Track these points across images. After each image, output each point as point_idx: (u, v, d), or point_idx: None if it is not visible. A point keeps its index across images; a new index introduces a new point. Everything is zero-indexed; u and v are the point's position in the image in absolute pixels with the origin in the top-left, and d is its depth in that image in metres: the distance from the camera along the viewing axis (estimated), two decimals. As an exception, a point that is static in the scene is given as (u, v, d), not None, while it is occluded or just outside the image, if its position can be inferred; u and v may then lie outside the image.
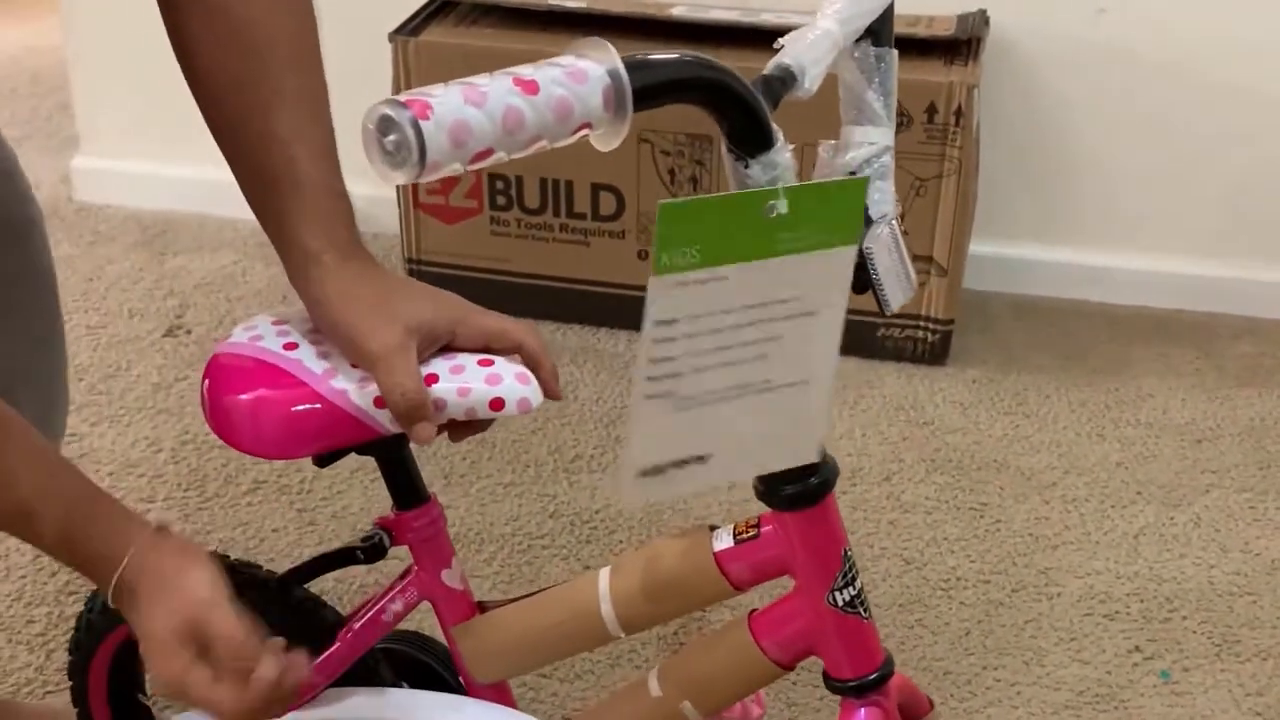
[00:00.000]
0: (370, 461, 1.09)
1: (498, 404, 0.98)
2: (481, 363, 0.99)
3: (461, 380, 0.98)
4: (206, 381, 1.02)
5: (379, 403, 0.98)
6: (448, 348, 0.98)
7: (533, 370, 0.99)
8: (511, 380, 0.99)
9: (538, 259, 2.23)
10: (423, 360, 0.96)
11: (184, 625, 0.87)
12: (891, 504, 1.88)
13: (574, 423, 2.03)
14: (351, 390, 0.98)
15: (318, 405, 0.98)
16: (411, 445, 1.07)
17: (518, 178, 2.17)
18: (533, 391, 1.00)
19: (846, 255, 0.77)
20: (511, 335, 0.99)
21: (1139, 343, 2.28)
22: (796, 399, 0.80)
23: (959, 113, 2.00)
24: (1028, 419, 2.07)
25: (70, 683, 1.29)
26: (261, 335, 1.04)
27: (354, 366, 0.97)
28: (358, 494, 1.85)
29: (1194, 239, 2.35)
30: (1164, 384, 2.16)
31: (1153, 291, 2.36)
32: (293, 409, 0.99)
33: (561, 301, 2.26)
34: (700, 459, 0.78)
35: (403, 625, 1.16)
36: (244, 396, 1.00)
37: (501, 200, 2.20)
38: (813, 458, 0.86)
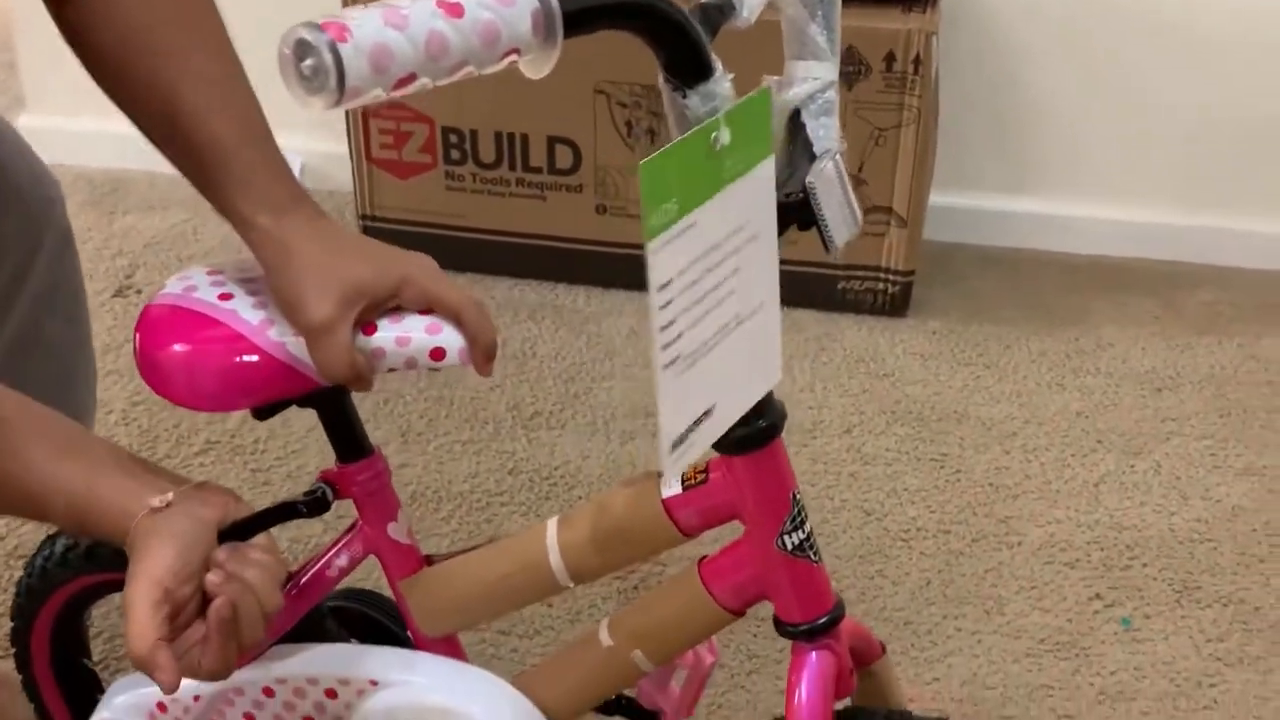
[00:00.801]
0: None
1: (439, 353, 0.96)
2: (422, 311, 0.97)
3: (400, 329, 0.95)
4: (138, 335, 0.99)
5: (317, 352, 0.96)
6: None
7: (469, 344, 0.97)
8: (453, 330, 0.97)
9: (494, 214, 2.20)
10: (365, 320, 0.93)
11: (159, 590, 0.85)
12: (852, 456, 1.87)
13: (533, 380, 2.01)
14: (289, 341, 0.96)
15: (254, 357, 0.96)
16: (354, 396, 1.06)
17: (472, 131, 2.14)
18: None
19: (768, 166, 0.77)
20: (451, 304, 0.97)
21: (1099, 292, 2.27)
22: (759, 325, 0.80)
23: (917, 61, 1.98)
24: (988, 370, 2.06)
25: (13, 649, 1.26)
26: (195, 286, 1.01)
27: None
28: (314, 454, 1.83)
29: (1155, 188, 2.34)
30: (1124, 333, 2.16)
31: (1113, 241, 2.35)
32: (228, 361, 0.96)
33: (519, 257, 2.24)
34: (708, 414, 0.78)
35: (354, 582, 1.14)
36: (177, 348, 0.97)
37: (456, 154, 2.17)
38: (778, 377, 0.85)
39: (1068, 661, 1.55)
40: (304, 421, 1.89)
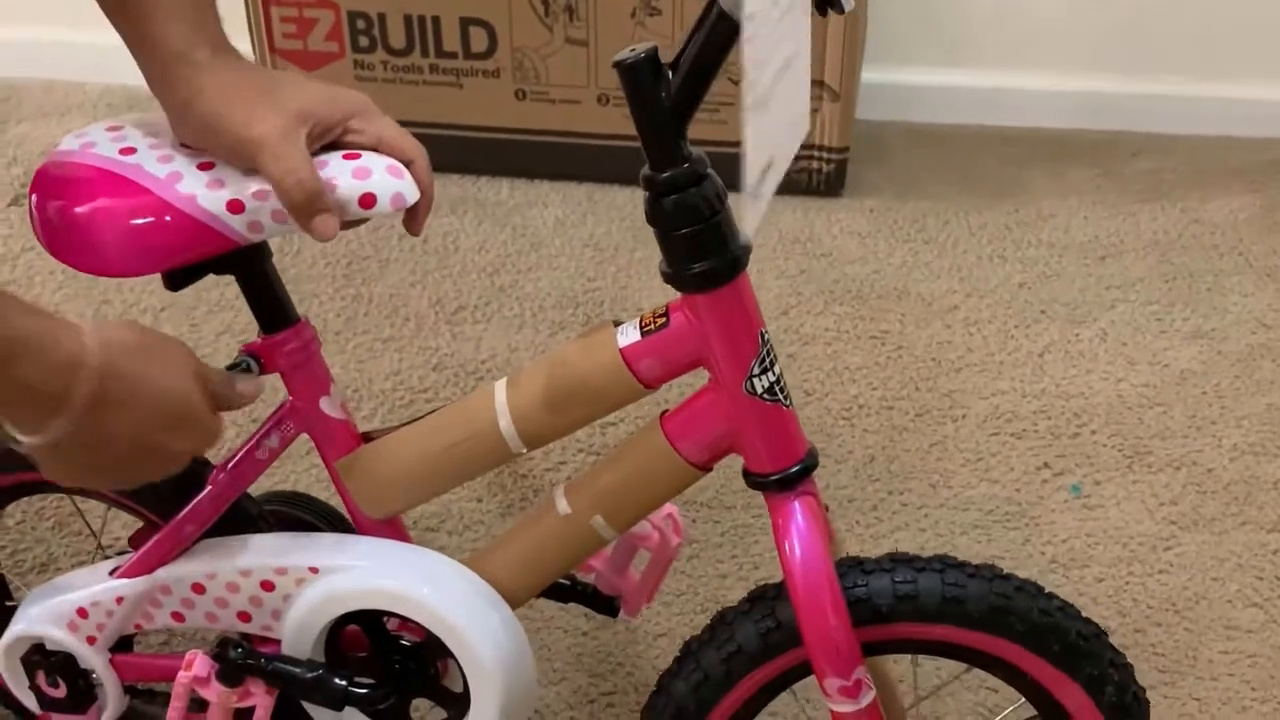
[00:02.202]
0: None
1: (369, 200, 0.88)
2: (346, 156, 0.89)
3: (327, 173, 0.87)
4: (34, 196, 0.90)
5: (233, 206, 0.87)
6: (331, 145, 0.88)
7: (421, 189, 0.90)
8: (383, 174, 0.88)
9: (408, 104, 2.09)
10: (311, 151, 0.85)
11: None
12: (790, 337, 1.81)
13: (455, 274, 1.92)
14: (200, 194, 0.87)
15: (164, 216, 0.87)
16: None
17: (380, 15, 2.03)
18: (408, 187, 0.89)
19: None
20: (405, 149, 0.90)
21: (1037, 164, 2.22)
22: (799, 71, 0.77)
23: (845, -74, 1.90)
24: (927, 245, 2.01)
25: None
26: (94, 142, 0.92)
27: (233, 165, 0.87)
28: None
29: (1090, 56, 2.29)
30: (1064, 204, 2.11)
31: (1048, 112, 2.30)
32: (134, 220, 0.87)
33: (436, 149, 2.07)
34: (770, 165, 0.76)
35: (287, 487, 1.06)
36: (79, 209, 0.88)
37: (364, 41, 2.06)
38: (808, 128, 0.82)
39: (1017, 531, 1.51)
40: (212, 325, 1.79)
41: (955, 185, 2.15)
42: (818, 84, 1.99)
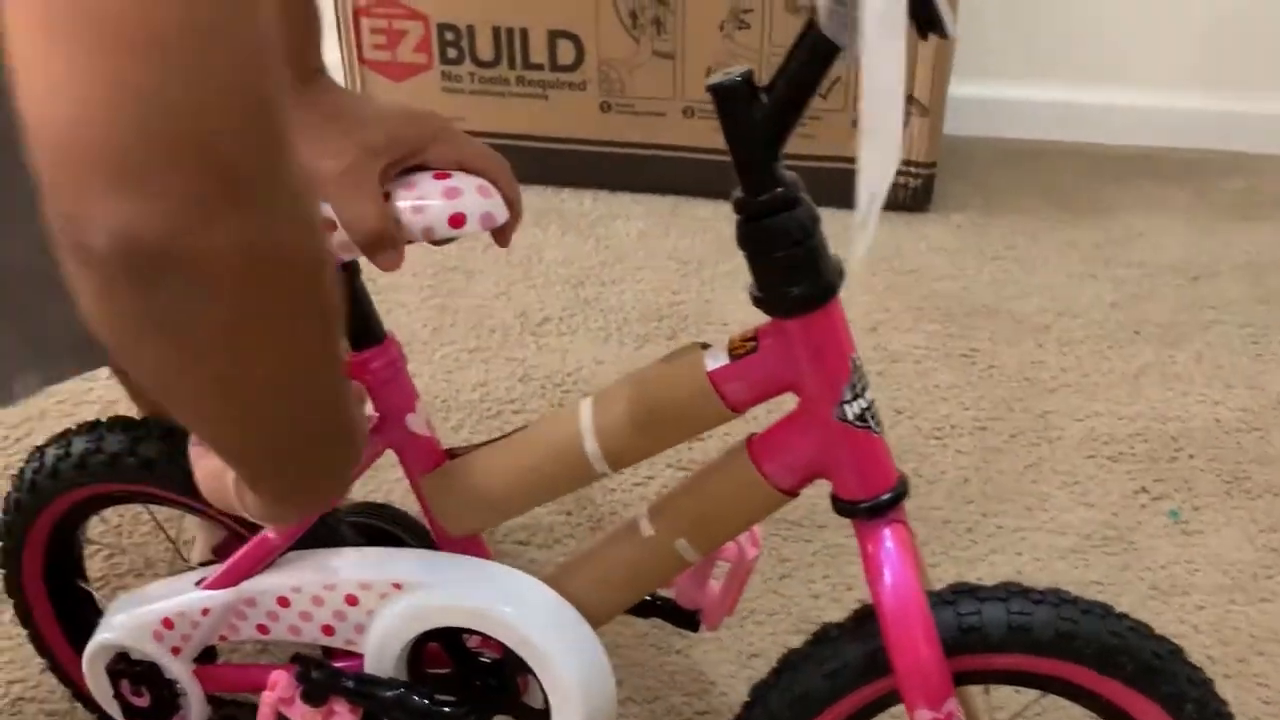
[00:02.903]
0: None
1: (458, 220, 0.87)
2: (438, 175, 0.88)
3: (416, 196, 0.87)
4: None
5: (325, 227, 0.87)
6: (418, 165, 0.88)
7: (508, 205, 0.90)
8: (473, 193, 0.88)
9: (494, 115, 2.10)
10: (389, 179, 0.85)
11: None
12: (879, 354, 1.79)
13: (539, 286, 1.92)
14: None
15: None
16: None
17: (469, 27, 2.04)
18: (497, 205, 0.89)
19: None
20: (489, 167, 0.90)
21: (1127, 182, 2.18)
22: (899, 97, 0.74)
23: (937, -62, 1.88)
24: (1016, 263, 1.98)
25: (2, 570, 1.18)
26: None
27: None
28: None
29: (1180, 74, 2.24)
30: (1155, 222, 2.07)
31: (1138, 129, 2.26)
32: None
33: (521, 160, 2.08)
34: (875, 194, 0.74)
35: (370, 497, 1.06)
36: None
37: (453, 53, 2.06)
38: (900, 158, 0.79)
39: (1116, 557, 1.48)
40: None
41: (1044, 202, 2.12)
42: (907, 99, 1.96)
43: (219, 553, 1.10)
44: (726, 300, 1.88)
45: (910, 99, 1.97)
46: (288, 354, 0.59)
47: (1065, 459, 1.61)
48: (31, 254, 1.09)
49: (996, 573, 1.45)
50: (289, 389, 0.61)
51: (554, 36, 2.03)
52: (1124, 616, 0.89)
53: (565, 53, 2.04)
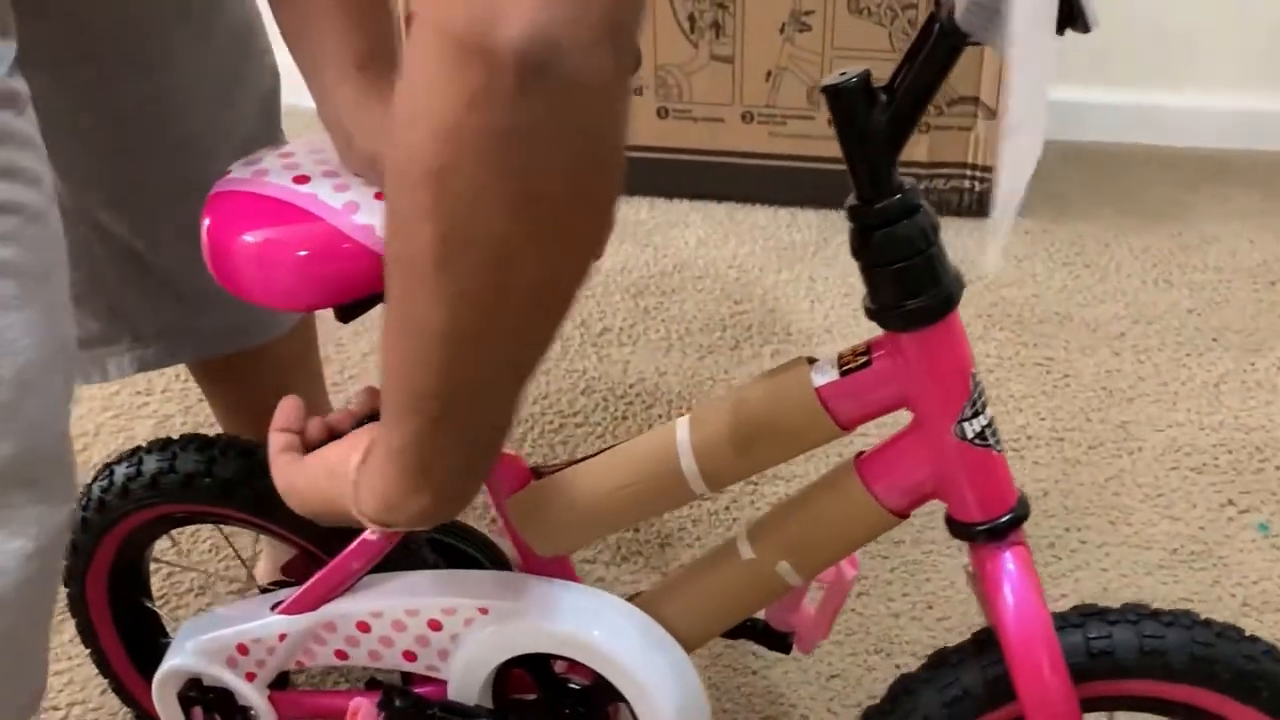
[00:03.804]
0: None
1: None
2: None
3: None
4: (207, 221, 0.88)
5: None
6: None
7: None
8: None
9: (549, 123, 2.06)
10: None
11: None
12: (949, 363, 1.74)
13: (599, 295, 1.89)
14: (378, 225, 0.83)
15: (341, 246, 0.84)
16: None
17: (524, 33, 2.00)
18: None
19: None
20: None
21: (1198, 185, 2.13)
22: (1043, 96, 0.70)
23: (1004, -63, 1.83)
24: (1087, 269, 1.93)
25: (67, 590, 1.15)
26: (267, 169, 0.90)
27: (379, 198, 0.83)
28: (370, 379, 1.71)
29: (1250, 73, 2.19)
30: (1229, 226, 2.02)
31: (1207, 131, 2.21)
32: (308, 250, 0.85)
33: None
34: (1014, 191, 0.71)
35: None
36: (250, 237, 0.86)
37: (507, 60, 2.03)
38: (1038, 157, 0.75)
39: (1205, 572, 1.43)
40: (359, 345, 1.77)
41: (1113, 206, 2.07)
42: (971, 100, 1.92)
43: (288, 571, 1.07)
44: (790, 309, 1.83)
45: (975, 100, 1.92)
46: (560, 261, 0.60)
47: (1147, 470, 1.56)
48: (131, 236, 1.07)
49: (1082, 589, 1.40)
50: (536, 315, 0.62)
51: (610, 41, 2.00)
52: (1257, 640, 0.85)
53: (622, 58, 2.00)
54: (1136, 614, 0.86)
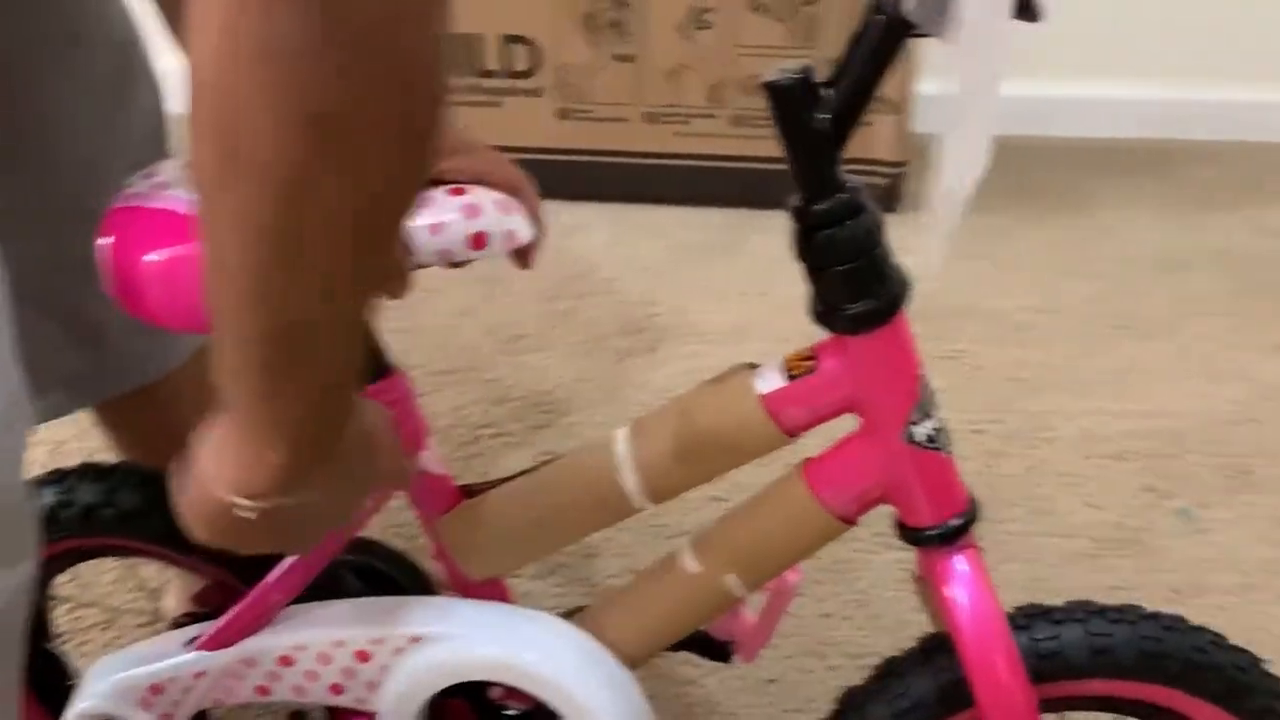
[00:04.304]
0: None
1: (480, 240, 0.80)
2: (453, 192, 0.81)
3: (432, 215, 0.79)
4: (106, 240, 0.82)
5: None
6: (432, 180, 0.80)
7: (534, 222, 0.83)
8: (493, 210, 0.81)
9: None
10: None
11: None
12: (862, 360, 1.73)
13: (508, 301, 1.85)
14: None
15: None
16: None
17: (419, 35, 1.96)
18: (520, 223, 0.82)
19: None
20: (510, 178, 0.82)
21: (1094, 175, 2.15)
22: (996, 91, 0.70)
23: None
24: (991, 261, 1.94)
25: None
26: (167, 181, 0.84)
27: None
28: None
29: (1143, 64, 2.22)
30: (1127, 215, 2.04)
31: (1103, 121, 2.24)
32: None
33: None
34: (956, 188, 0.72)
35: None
36: (153, 256, 0.80)
37: (403, 63, 1.98)
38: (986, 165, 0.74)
39: (1131, 559, 1.43)
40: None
41: (1013, 198, 2.08)
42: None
43: (198, 602, 1.02)
44: (703, 310, 1.81)
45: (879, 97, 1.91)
46: (365, 190, 0.54)
47: (1065, 460, 1.57)
48: (21, 273, 1.00)
49: (1013, 581, 1.40)
50: (348, 248, 0.56)
51: (507, 42, 1.96)
52: (1202, 629, 0.84)
53: (519, 58, 1.97)
54: (1083, 611, 0.85)
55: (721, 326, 1.73)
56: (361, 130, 0.52)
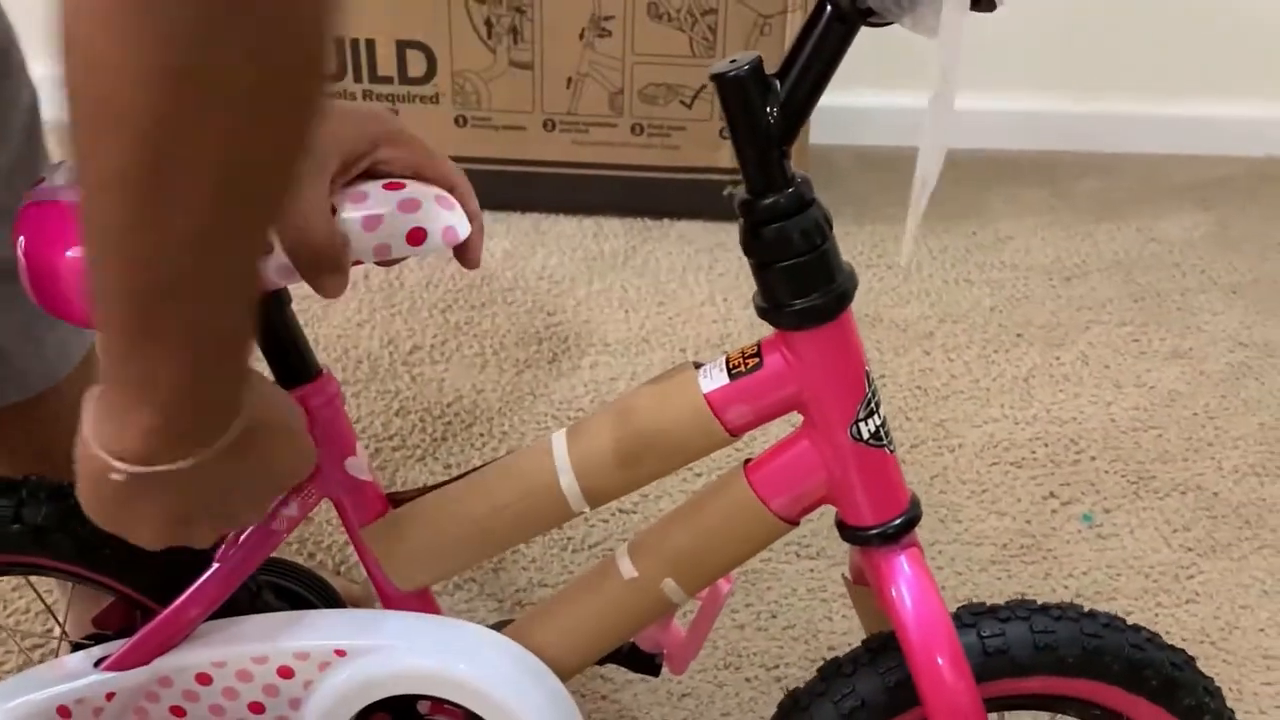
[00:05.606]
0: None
1: (418, 236, 0.78)
2: (389, 186, 0.78)
3: (368, 208, 0.77)
4: (21, 238, 0.78)
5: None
6: (365, 173, 0.77)
7: (471, 218, 0.80)
8: (432, 205, 0.78)
9: (343, 134, 1.98)
10: (336, 189, 0.75)
11: None
12: (767, 369, 1.73)
13: (405, 311, 1.81)
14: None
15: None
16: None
17: (314, 41, 1.91)
18: (459, 219, 0.79)
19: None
20: (445, 173, 0.80)
21: (988, 185, 2.19)
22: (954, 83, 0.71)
23: (801, -59, 1.84)
24: (890, 270, 1.95)
25: None
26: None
27: None
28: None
29: (1032, 77, 2.27)
30: (1021, 225, 2.08)
31: (993, 132, 2.28)
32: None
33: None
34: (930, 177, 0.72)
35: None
36: (75, 252, 0.77)
37: (296, 69, 1.94)
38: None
39: (1036, 565, 1.45)
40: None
41: (908, 208, 2.10)
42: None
43: (100, 622, 0.97)
44: (604, 320, 1.79)
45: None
46: (237, 145, 0.53)
47: (969, 467, 1.58)
48: None
49: (924, 588, 1.40)
50: (225, 207, 0.55)
51: (403, 47, 1.92)
52: (1139, 628, 0.85)
53: (415, 64, 1.93)
54: (1026, 609, 0.85)
55: (622, 336, 1.71)
56: (227, 85, 0.51)
